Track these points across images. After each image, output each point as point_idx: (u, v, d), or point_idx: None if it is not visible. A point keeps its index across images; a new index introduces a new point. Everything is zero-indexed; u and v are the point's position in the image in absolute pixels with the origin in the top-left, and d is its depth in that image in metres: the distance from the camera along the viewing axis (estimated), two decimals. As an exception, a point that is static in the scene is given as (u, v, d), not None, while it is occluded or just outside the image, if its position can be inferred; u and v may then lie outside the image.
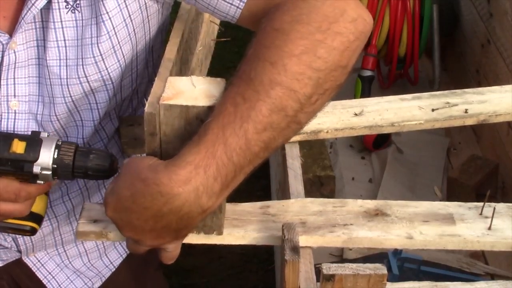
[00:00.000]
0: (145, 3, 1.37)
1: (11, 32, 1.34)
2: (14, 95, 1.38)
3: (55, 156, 1.24)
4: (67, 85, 1.38)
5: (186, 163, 1.10)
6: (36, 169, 1.24)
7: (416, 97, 1.59)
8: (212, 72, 1.72)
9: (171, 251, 1.21)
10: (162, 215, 1.12)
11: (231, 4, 1.26)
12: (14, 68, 1.36)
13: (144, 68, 1.48)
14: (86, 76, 1.38)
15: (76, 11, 1.34)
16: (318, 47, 1.13)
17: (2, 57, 1.34)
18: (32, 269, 1.62)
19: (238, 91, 1.12)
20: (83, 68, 1.37)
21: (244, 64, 1.15)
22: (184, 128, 1.17)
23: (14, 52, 1.35)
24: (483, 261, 2.51)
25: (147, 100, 1.17)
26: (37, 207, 1.34)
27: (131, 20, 1.36)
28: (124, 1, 1.34)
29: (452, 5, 3.57)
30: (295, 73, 1.12)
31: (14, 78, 1.37)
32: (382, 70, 3.54)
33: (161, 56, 1.41)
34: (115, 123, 1.53)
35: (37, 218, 1.35)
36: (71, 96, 1.40)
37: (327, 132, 1.51)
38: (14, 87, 1.38)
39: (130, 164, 1.17)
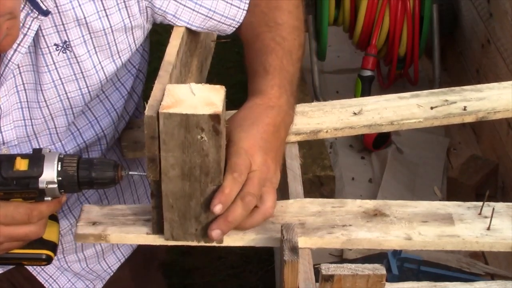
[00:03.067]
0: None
1: None
2: (3, 143, 1.41)
3: (59, 168, 1.24)
4: (68, 99, 1.42)
5: (271, 87, 1.35)
6: (41, 184, 1.23)
7: (414, 95, 1.59)
8: (212, 72, 1.72)
9: (272, 201, 1.26)
10: (278, 128, 1.31)
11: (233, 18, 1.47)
12: (0, 118, 1.38)
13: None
14: (87, 87, 1.42)
15: (67, 51, 1.38)
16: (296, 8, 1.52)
17: None
18: (33, 273, 1.61)
19: (273, 36, 1.43)
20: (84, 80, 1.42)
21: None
22: (184, 137, 1.16)
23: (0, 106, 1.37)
24: (483, 261, 2.51)
25: (147, 103, 1.17)
26: (50, 234, 1.33)
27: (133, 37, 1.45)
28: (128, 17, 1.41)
29: (452, 5, 3.57)
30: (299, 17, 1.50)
31: (0, 128, 1.39)
32: (382, 70, 3.54)
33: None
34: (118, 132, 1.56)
35: (51, 246, 1.34)
36: (71, 109, 1.43)
37: (326, 132, 1.51)
38: (2, 135, 1.40)
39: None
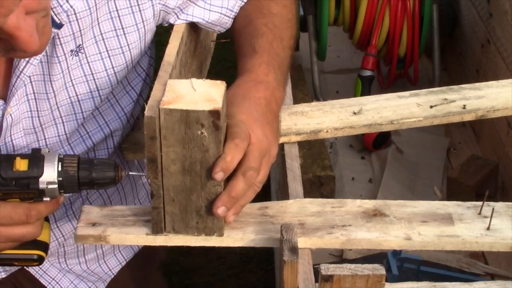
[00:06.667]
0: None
1: (3, 96, 1.36)
2: (14, 151, 1.40)
3: (59, 169, 1.23)
4: (78, 101, 1.42)
5: (258, 65, 1.38)
6: (42, 184, 1.22)
7: (414, 94, 1.59)
8: (212, 72, 1.72)
9: (262, 176, 1.26)
10: (269, 102, 1.34)
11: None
12: (10, 127, 1.38)
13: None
14: (98, 90, 1.43)
15: (80, 53, 1.38)
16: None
17: (1, 122, 1.36)
18: (35, 276, 1.61)
19: (266, 22, 1.45)
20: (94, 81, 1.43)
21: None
22: (185, 132, 1.17)
23: (11, 115, 1.37)
24: (483, 261, 2.51)
25: (146, 103, 1.18)
26: (42, 234, 1.31)
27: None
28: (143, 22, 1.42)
29: (452, 5, 3.57)
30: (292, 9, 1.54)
31: (10, 135, 1.39)
32: (382, 70, 3.54)
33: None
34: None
35: (43, 246, 1.33)
36: (82, 112, 1.43)
37: (326, 131, 1.51)
38: (12, 143, 1.40)
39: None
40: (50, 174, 1.23)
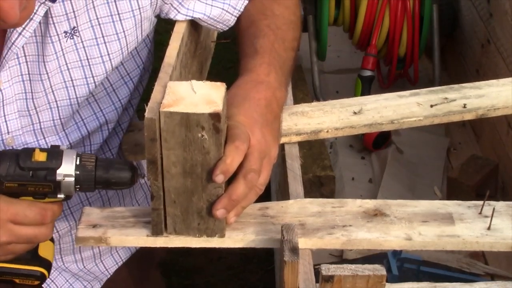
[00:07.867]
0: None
1: None
2: (8, 132, 1.40)
3: (77, 163, 1.23)
4: (73, 86, 1.41)
5: (259, 65, 1.38)
6: (59, 177, 1.22)
7: (414, 94, 1.59)
8: (212, 72, 1.72)
9: (264, 178, 1.27)
10: (270, 102, 1.34)
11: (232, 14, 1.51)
12: (3, 105, 1.38)
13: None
14: (93, 76, 1.41)
15: (75, 36, 1.38)
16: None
17: None
18: None
19: (268, 23, 1.46)
20: (90, 68, 1.42)
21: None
22: (185, 135, 1.17)
23: (1, 90, 1.36)
24: (483, 261, 2.50)
25: (147, 105, 1.17)
26: (45, 251, 1.30)
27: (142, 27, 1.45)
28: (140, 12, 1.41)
29: (452, 5, 3.57)
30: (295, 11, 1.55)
31: (4, 116, 1.39)
32: (382, 70, 3.54)
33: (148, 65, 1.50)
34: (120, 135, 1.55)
35: (47, 264, 1.31)
36: (76, 98, 1.42)
37: (327, 131, 1.51)
38: (6, 124, 1.39)
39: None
40: (68, 167, 1.23)
